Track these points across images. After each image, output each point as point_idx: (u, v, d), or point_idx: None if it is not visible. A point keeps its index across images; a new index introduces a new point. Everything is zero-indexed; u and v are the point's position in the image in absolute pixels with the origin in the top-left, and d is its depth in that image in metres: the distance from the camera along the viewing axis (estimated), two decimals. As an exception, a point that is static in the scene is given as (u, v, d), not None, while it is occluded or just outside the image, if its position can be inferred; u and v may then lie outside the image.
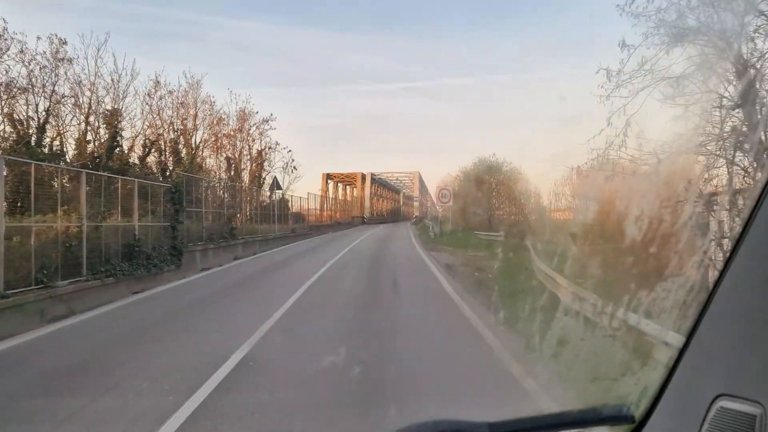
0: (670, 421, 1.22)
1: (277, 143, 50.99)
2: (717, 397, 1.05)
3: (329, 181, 77.47)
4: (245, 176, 50.21)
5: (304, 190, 67.77)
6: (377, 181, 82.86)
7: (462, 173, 38.24)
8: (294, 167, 53.68)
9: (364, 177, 76.72)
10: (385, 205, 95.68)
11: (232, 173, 47.57)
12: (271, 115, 50.43)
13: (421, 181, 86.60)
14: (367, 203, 73.88)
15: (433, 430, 1.22)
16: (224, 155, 46.63)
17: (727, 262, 1.10)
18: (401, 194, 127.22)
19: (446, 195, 32.24)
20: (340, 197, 79.37)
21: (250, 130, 49.10)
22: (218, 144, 44.47)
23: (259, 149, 50.69)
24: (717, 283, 1.13)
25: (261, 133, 50.32)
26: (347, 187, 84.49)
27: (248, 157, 49.90)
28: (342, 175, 77.13)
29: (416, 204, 70.08)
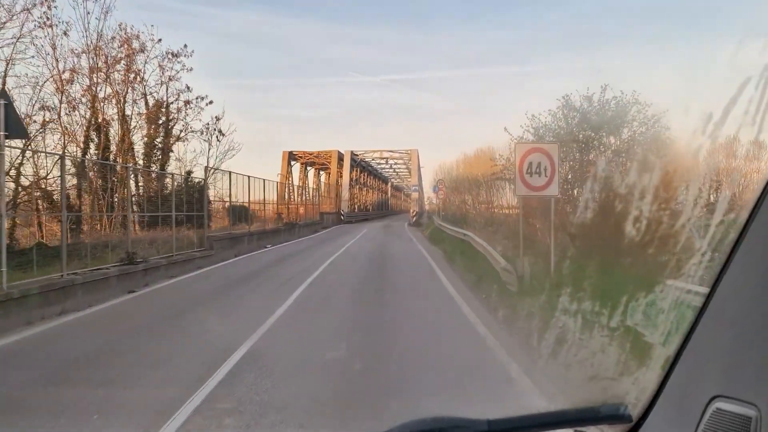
0: (667, 421, 1.22)
1: (187, 88, 29.98)
2: (713, 398, 1.05)
3: (292, 163, 56.22)
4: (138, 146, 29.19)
5: (268, 175, 48.02)
6: (359, 165, 61.79)
7: (538, 127, 17.33)
8: (219, 132, 32.59)
9: (341, 157, 55.61)
10: (369, 196, 74.64)
11: (102, 138, 26.62)
12: (185, 47, 29.39)
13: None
14: (345, 193, 52.84)
15: (433, 426, 1.17)
16: (89, 102, 25.62)
17: (725, 264, 1.10)
18: (389, 184, 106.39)
19: (544, 167, 11.54)
20: (312, 185, 58.27)
21: (127, 61, 27.94)
22: (59, 77, 23.41)
23: (160, 101, 29.69)
24: (714, 284, 1.13)
25: (167, 77, 29.31)
26: (321, 172, 63.41)
27: (142, 111, 28.82)
28: (310, 154, 55.88)
29: (414, 195, 49.09)
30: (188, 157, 29.89)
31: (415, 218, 44.35)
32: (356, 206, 61.07)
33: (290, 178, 55.01)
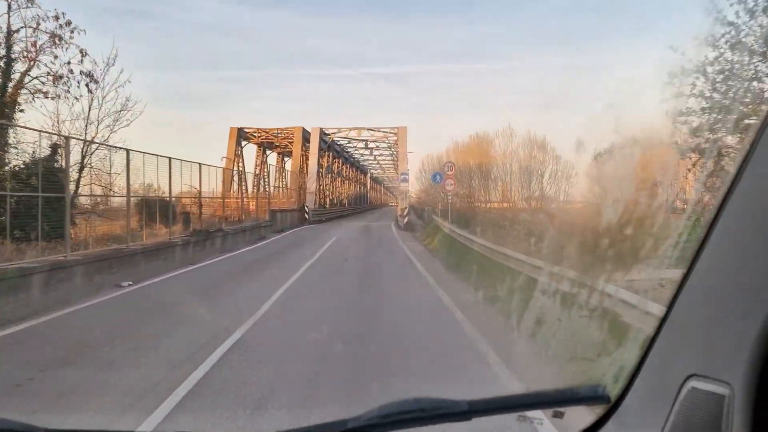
0: (644, 400, 1.24)
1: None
2: (688, 377, 1.06)
3: (243, 143, 43.43)
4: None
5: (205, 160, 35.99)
6: (333, 149, 49.11)
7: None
8: (89, 77, 19.62)
9: (307, 136, 42.78)
10: (345, 188, 62.07)
11: None
12: None
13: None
14: (312, 184, 40.25)
15: (413, 407, 1.21)
16: None
17: (701, 244, 1.11)
18: (368, 175, 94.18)
19: None
20: (274, 172, 45.57)
21: None
22: None
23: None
24: (691, 264, 1.14)
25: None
26: (286, 158, 50.60)
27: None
28: (266, 132, 42.97)
29: (404, 186, 36.63)
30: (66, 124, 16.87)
31: (406, 218, 31.81)
32: (328, 200, 48.51)
33: (239, 163, 42.23)
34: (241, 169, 42.22)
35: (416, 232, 28.07)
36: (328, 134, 43.53)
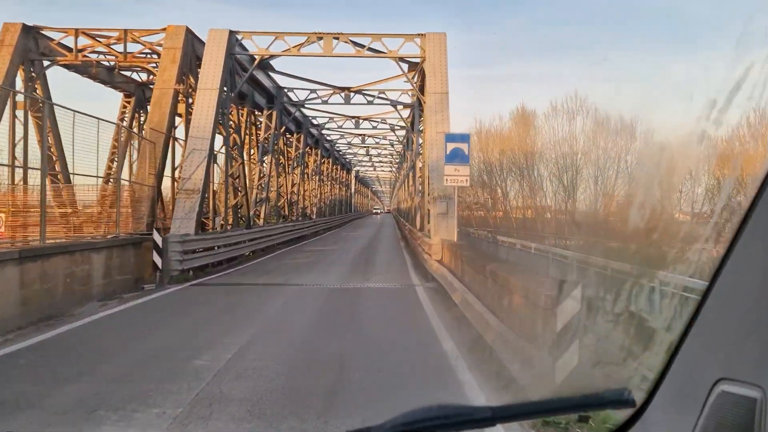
0: (671, 405, 1.22)
1: None
2: (718, 381, 1.04)
3: (47, 63, 17.64)
4: None
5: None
6: (276, 97, 24.00)
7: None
8: None
9: (199, 52, 17.52)
10: (311, 190, 36.95)
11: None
12: None
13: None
14: (192, 168, 14.93)
15: (438, 414, 1.21)
16: None
17: (729, 247, 1.09)
18: (353, 173, 68.97)
19: None
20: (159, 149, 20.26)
21: None
22: None
23: None
24: (719, 266, 1.12)
25: None
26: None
27: None
28: (100, 39, 17.71)
29: (450, 173, 11.04)
30: None
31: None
32: (263, 211, 23.30)
33: (36, 110, 16.87)
34: (39, 122, 16.79)
35: None
36: (251, 53, 18.07)
